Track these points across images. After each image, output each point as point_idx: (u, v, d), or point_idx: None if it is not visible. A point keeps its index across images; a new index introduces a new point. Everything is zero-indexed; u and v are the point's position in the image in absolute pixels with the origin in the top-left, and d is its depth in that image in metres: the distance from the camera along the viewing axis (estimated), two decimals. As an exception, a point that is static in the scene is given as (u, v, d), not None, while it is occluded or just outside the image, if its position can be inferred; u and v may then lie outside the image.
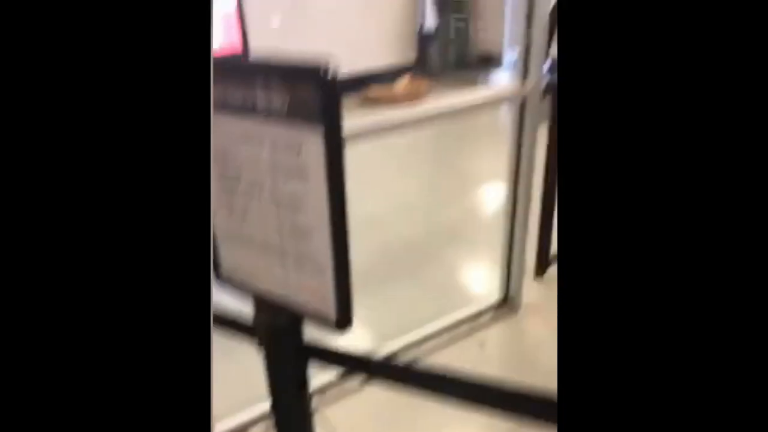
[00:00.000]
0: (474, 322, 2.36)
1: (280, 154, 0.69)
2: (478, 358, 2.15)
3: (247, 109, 0.70)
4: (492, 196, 3.45)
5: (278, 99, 0.65)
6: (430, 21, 6.21)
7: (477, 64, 6.27)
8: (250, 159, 0.74)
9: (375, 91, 5.40)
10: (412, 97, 5.30)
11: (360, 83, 5.49)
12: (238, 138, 0.74)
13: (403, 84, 5.45)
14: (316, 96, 0.60)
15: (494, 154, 3.65)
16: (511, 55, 6.05)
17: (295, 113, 0.64)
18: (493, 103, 2.25)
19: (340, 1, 5.55)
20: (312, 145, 0.64)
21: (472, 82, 5.93)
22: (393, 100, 5.33)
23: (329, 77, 0.59)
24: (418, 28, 6.24)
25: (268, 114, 0.67)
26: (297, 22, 5.38)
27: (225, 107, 0.72)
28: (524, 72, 2.13)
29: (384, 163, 3.78)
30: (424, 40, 6.35)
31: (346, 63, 5.10)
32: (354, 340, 2.22)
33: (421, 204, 3.45)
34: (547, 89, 2.25)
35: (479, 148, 4.21)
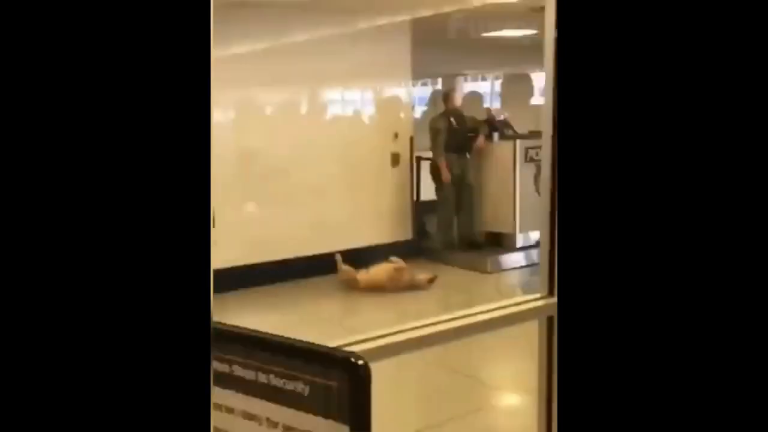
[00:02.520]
0: None
1: (292, 440, 0.87)
2: None
3: (261, 388, 0.89)
4: (517, 413, 3.57)
5: (300, 385, 0.84)
6: (428, 194, 6.85)
7: (484, 244, 6.74)
8: (253, 440, 0.91)
9: (349, 273, 5.78)
10: (400, 285, 5.65)
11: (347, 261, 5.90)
12: (247, 415, 0.92)
13: (384, 268, 5.80)
14: (344, 390, 0.80)
15: (515, 357, 3.79)
16: (524, 239, 6.56)
17: (318, 402, 0.83)
18: (513, 318, 2.46)
19: (322, 173, 6.20)
20: (335, 436, 0.82)
21: (479, 267, 6.32)
22: (375, 286, 5.66)
23: (362, 372, 0.79)
24: (412, 203, 6.87)
25: (287, 398, 0.86)
26: (274, 192, 5.98)
27: (235, 385, 0.91)
28: (550, 283, 2.38)
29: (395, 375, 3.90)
30: (420, 216, 6.93)
31: (333, 240, 5.41)
32: None
33: (422, 423, 3.54)
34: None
35: (498, 354, 4.39)
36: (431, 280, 5.80)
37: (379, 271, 5.78)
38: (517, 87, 11.15)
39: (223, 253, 5.75)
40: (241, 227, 5.78)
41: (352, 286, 5.73)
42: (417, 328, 2.19)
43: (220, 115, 5.69)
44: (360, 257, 6.05)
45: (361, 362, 0.79)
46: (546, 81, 2.08)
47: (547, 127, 2.07)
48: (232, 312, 5.16)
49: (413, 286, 5.70)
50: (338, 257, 5.78)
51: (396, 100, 6.83)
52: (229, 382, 0.91)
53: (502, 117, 7.51)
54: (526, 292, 5.35)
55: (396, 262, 5.81)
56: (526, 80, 11.14)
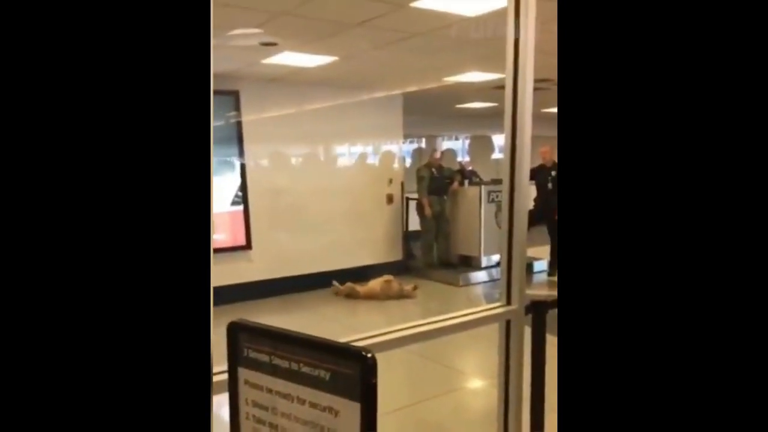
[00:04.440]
0: None
1: (319, 413, 0.87)
2: None
3: (293, 374, 0.89)
4: (481, 394, 3.53)
5: (323, 372, 0.85)
6: (414, 226, 6.90)
7: (457, 264, 6.76)
8: (290, 413, 0.91)
9: (349, 287, 5.78)
10: (391, 294, 5.65)
11: (347, 277, 5.88)
12: (282, 395, 0.92)
13: (378, 281, 5.80)
14: (356, 376, 0.80)
15: (481, 351, 3.75)
16: (487, 261, 6.59)
17: (337, 385, 0.83)
18: (480, 322, 2.46)
19: (333, 207, 6.20)
20: (349, 411, 0.82)
21: (453, 281, 6.33)
22: (371, 296, 5.66)
23: (370, 362, 0.79)
24: (403, 231, 6.88)
25: (312, 381, 0.87)
26: (297, 221, 5.94)
27: (273, 371, 0.91)
28: (508, 295, 2.38)
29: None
30: (408, 242, 6.97)
31: (341, 260, 5.39)
32: None
33: (408, 401, 3.49)
34: (528, 309, 2.50)
35: (466, 344, 4.36)
36: (414, 288, 5.81)
37: (374, 283, 5.79)
38: (481, 145, 11.22)
39: (258, 269, 5.78)
40: (271, 249, 5.77)
41: (354, 296, 5.72)
42: (406, 328, 2.18)
43: (255, 163, 5.73)
44: (361, 273, 6.05)
45: (369, 354, 0.80)
46: (505, 141, 2.11)
47: (505, 176, 2.10)
48: (267, 314, 5.16)
49: (402, 296, 5.70)
50: (334, 282, 5.83)
51: (390, 154, 6.86)
52: (269, 369, 0.91)
53: (470, 168, 7.56)
54: (488, 301, 5.37)
55: (387, 277, 5.83)
56: (488, 140, 11.22)
